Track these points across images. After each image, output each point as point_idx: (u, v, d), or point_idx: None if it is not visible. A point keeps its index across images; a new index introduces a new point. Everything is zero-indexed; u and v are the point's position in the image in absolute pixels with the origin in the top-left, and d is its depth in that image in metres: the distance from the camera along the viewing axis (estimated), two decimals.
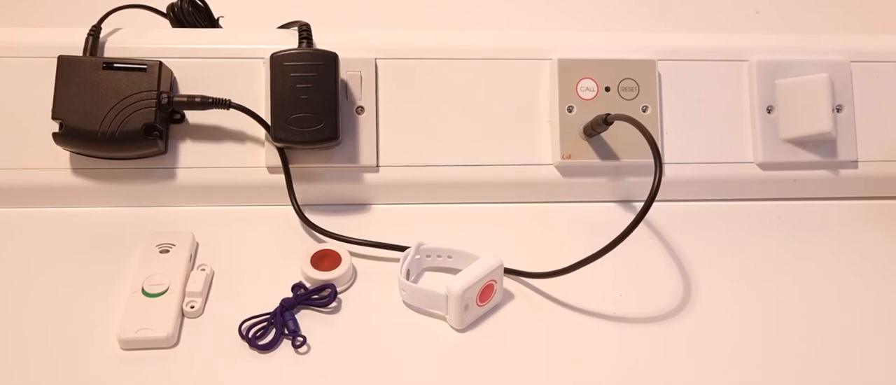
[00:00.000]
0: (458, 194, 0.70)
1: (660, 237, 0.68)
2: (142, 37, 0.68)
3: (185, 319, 0.58)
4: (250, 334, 0.56)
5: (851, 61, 0.72)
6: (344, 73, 0.67)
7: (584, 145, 0.69)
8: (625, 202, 0.72)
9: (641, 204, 0.57)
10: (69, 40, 0.65)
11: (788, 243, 0.69)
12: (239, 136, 0.67)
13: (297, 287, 0.60)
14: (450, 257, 0.63)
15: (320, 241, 0.65)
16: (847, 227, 0.72)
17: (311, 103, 0.64)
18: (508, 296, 0.62)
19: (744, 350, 0.58)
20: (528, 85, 0.70)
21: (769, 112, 0.71)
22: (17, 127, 0.66)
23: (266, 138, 0.67)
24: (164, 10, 0.73)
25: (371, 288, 0.62)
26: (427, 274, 0.64)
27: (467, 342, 0.58)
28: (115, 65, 0.64)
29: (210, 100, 0.64)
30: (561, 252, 0.61)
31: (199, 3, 0.72)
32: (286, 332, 0.57)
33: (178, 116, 0.67)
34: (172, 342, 0.56)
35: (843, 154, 0.72)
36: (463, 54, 0.70)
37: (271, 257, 0.63)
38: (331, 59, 0.65)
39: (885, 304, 0.63)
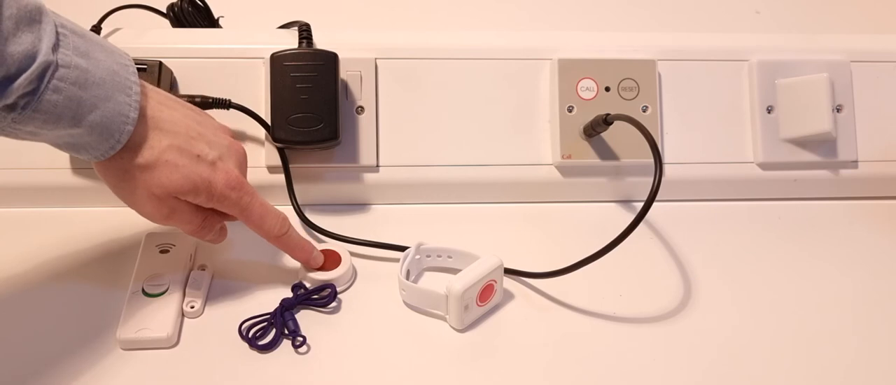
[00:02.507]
0: (458, 194, 0.70)
1: (660, 237, 0.68)
2: (142, 37, 0.68)
3: (185, 319, 0.58)
4: (250, 334, 0.56)
5: (851, 61, 0.72)
6: (344, 73, 0.67)
7: (584, 145, 0.69)
8: (625, 202, 0.72)
9: (641, 204, 0.57)
10: None
11: (788, 243, 0.69)
12: (239, 136, 0.67)
13: (297, 287, 0.60)
14: (450, 257, 0.63)
15: (320, 241, 0.65)
16: (847, 227, 0.72)
17: (311, 103, 0.64)
18: (508, 296, 0.62)
19: (743, 350, 0.58)
20: (528, 85, 0.70)
21: (769, 112, 0.71)
22: None
23: (266, 138, 0.67)
24: (164, 10, 0.73)
25: (371, 288, 0.62)
26: (427, 274, 0.64)
27: (467, 342, 0.58)
28: None
29: (210, 100, 0.64)
30: (561, 252, 0.61)
31: (199, 3, 0.72)
32: (286, 332, 0.57)
33: None
34: (172, 342, 0.56)
35: (843, 154, 0.72)
36: (463, 54, 0.70)
37: (272, 257, 0.63)
38: (331, 59, 0.65)
39: (886, 303, 0.63)
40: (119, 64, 0.49)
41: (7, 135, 0.47)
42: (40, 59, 0.43)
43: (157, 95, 0.52)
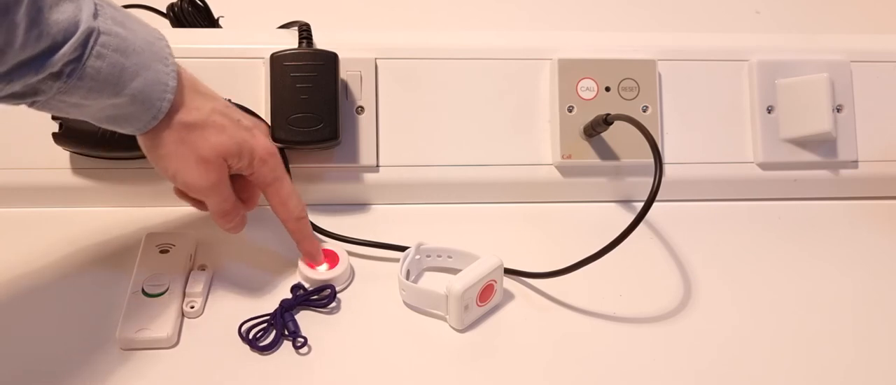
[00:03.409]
0: (458, 194, 0.70)
1: (660, 237, 0.68)
2: None
3: (185, 319, 0.58)
4: (251, 336, 0.56)
5: (851, 61, 0.72)
6: (344, 73, 0.67)
7: (584, 145, 0.69)
8: (625, 202, 0.72)
9: (641, 204, 0.57)
10: None
11: (788, 243, 0.69)
12: None
13: (296, 288, 0.60)
14: (450, 257, 0.63)
15: (320, 241, 0.65)
16: (847, 227, 0.72)
17: (311, 103, 0.64)
18: (508, 296, 0.62)
19: (743, 350, 0.58)
20: (528, 85, 0.70)
21: (769, 112, 0.71)
22: (17, 127, 0.66)
23: None
24: (164, 10, 0.73)
25: (371, 288, 0.62)
26: (427, 274, 0.64)
27: (467, 342, 0.58)
28: None
29: None
30: (561, 252, 0.61)
31: (199, 3, 0.72)
32: (286, 333, 0.57)
33: None
34: (172, 342, 0.56)
35: (843, 154, 0.72)
36: (463, 54, 0.70)
37: (271, 257, 0.63)
38: (331, 59, 0.65)
39: (886, 303, 0.63)
40: (153, 36, 0.50)
41: (50, 108, 0.47)
42: (83, 26, 0.44)
43: (187, 71, 0.53)
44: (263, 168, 0.56)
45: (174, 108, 0.51)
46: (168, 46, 0.51)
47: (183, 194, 0.58)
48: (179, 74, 0.51)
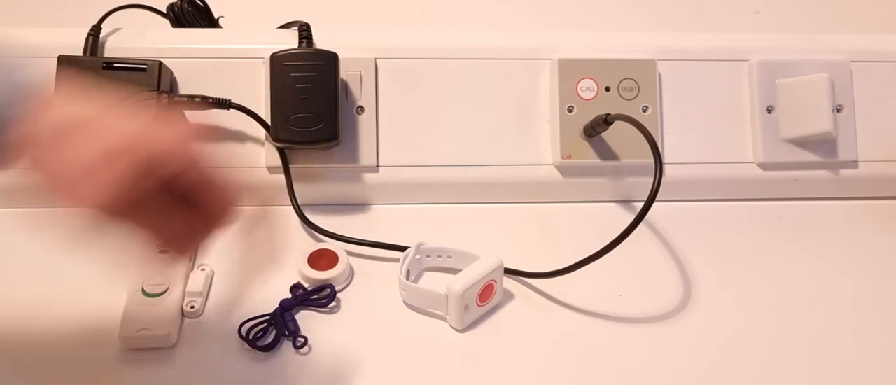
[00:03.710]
0: (458, 194, 0.70)
1: (660, 237, 0.68)
2: (142, 37, 0.68)
3: (185, 319, 0.58)
4: (250, 336, 0.56)
5: (851, 61, 0.72)
6: (344, 73, 0.67)
7: (584, 145, 0.69)
8: (625, 202, 0.72)
9: (641, 204, 0.57)
10: (69, 40, 0.65)
11: (788, 243, 0.69)
12: (239, 136, 0.67)
13: (295, 287, 0.60)
14: (450, 257, 0.63)
15: (320, 241, 0.65)
16: (847, 227, 0.72)
17: (311, 103, 0.64)
18: (508, 296, 0.62)
19: (743, 350, 0.58)
20: (528, 85, 0.70)
21: (769, 112, 0.71)
22: None
23: (266, 138, 0.67)
24: (164, 10, 0.73)
25: (371, 288, 0.62)
26: (427, 274, 0.63)
27: (467, 342, 0.58)
28: (115, 65, 0.64)
29: (210, 100, 0.64)
30: (561, 252, 0.61)
31: (199, 2, 0.72)
32: (286, 332, 0.57)
33: None
34: (172, 342, 0.56)
35: (843, 154, 0.72)
36: (463, 54, 0.70)
37: (271, 257, 0.63)
38: (331, 59, 0.65)
39: (886, 303, 0.63)
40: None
41: None
42: None
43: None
44: (173, 163, 0.41)
45: (21, 122, 0.39)
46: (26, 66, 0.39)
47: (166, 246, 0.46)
48: (37, 86, 0.39)
